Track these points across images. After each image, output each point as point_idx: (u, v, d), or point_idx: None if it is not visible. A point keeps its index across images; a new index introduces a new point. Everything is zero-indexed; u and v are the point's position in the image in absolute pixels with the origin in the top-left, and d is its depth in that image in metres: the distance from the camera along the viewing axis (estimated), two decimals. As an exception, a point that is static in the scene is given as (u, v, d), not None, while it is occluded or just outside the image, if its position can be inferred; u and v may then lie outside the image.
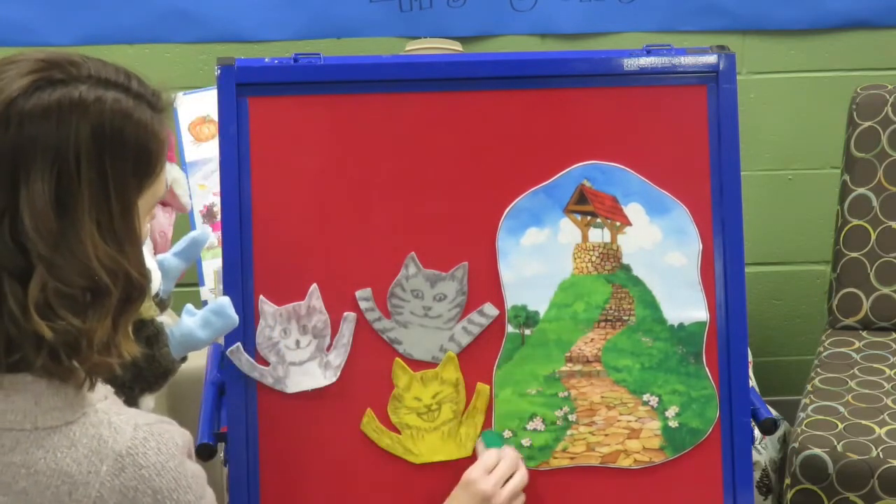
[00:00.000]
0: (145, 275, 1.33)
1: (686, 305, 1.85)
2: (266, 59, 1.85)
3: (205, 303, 2.64)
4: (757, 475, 2.61)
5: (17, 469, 1.25)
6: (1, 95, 1.24)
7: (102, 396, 1.33)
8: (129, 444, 1.27)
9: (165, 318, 1.73)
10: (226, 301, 1.71)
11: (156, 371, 1.66)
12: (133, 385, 1.64)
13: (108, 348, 1.29)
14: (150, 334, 1.65)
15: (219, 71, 1.81)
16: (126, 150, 1.28)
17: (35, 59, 1.28)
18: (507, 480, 1.73)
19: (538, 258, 1.85)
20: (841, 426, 2.25)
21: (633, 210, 1.86)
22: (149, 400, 1.71)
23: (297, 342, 1.81)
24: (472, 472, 1.73)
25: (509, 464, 1.75)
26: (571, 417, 1.85)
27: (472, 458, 1.80)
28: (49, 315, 1.24)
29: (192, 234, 1.74)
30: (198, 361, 1.91)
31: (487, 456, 1.76)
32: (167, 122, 1.36)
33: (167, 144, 1.34)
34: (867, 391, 2.40)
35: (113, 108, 1.28)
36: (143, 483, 1.27)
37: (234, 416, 1.79)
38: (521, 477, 1.75)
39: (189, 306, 1.73)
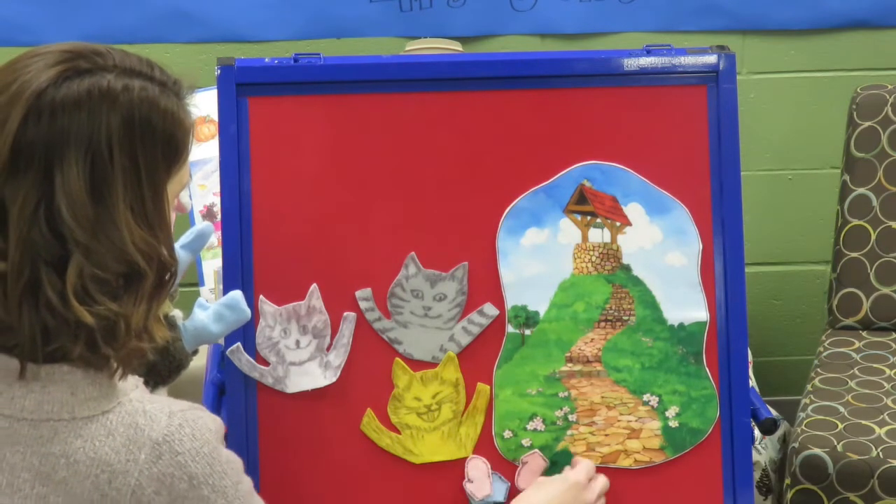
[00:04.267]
0: (175, 257, 1.35)
1: (686, 305, 1.85)
2: (266, 59, 1.85)
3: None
4: (757, 475, 2.61)
5: (56, 459, 1.26)
6: (30, 87, 1.26)
7: (134, 386, 1.34)
8: (165, 431, 1.28)
9: (176, 312, 1.74)
10: (238, 295, 1.73)
11: (170, 365, 1.68)
12: (147, 379, 1.64)
13: (142, 333, 1.31)
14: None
15: (219, 71, 1.81)
16: (155, 137, 1.31)
17: (60, 51, 1.30)
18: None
19: (538, 258, 1.85)
20: (841, 426, 2.25)
21: (633, 210, 1.86)
22: (161, 393, 1.72)
23: (297, 342, 1.81)
24: (579, 476, 1.75)
25: (604, 480, 1.79)
26: (571, 417, 1.85)
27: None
28: (88, 301, 1.26)
29: (198, 227, 1.76)
30: (198, 361, 1.91)
31: (589, 463, 1.78)
32: (190, 108, 1.38)
33: (192, 130, 1.38)
34: (867, 391, 2.40)
35: (140, 97, 1.30)
36: (180, 469, 1.28)
37: (234, 416, 1.79)
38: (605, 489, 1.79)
39: (201, 300, 1.75)
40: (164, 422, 1.29)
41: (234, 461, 1.35)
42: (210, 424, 1.33)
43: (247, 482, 1.36)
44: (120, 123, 1.27)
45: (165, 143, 1.32)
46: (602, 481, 1.77)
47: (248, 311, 1.74)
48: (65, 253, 1.25)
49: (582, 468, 1.77)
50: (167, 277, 1.34)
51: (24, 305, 1.25)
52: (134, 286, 1.29)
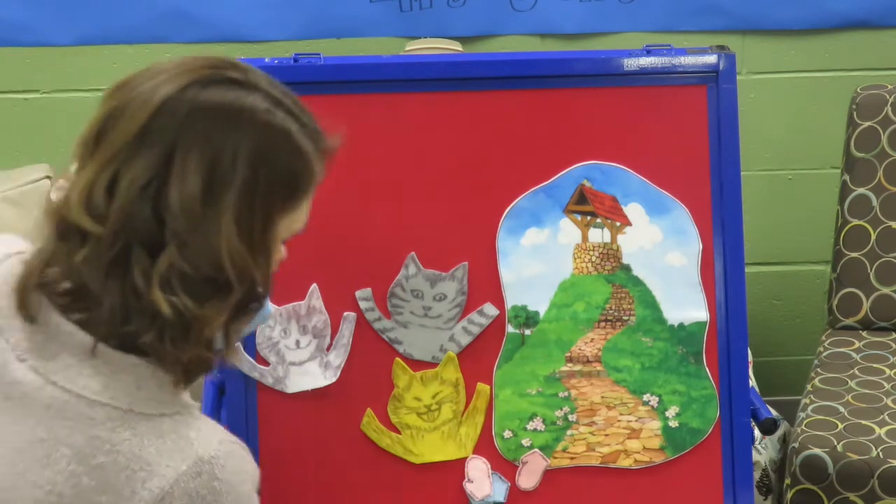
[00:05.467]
0: (269, 289, 1.36)
1: (686, 305, 1.85)
2: (266, 59, 1.85)
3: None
4: (757, 475, 2.61)
5: (100, 443, 1.26)
6: (173, 81, 1.28)
7: (193, 403, 1.35)
8: (213, 452, 1.29)
9: None
10: None
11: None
12: None
13: (212, 343, 1.32)
14: None
15: (219, 71, 1.80)
16: (280, 168, 1.31)
17: (215, 57, 1.32)
18: None
19: (538, 258, 1.85)
20: (841, 426, 2.25)
21: (633, 210, 1.86)
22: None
23: (297, 342, 1.81)
24: None
25: None
26: (571, 417, 1.85)
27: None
28: (169, 292, 1.26)
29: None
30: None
31: None
32: (324, 163, 1.39)
33: (317, 182, 1.38)
34: (867, 391, 2.40)
35: (280, 127, 1.31)
36: (212, 494, 1.28)
37: (234, 416, 1.79)
38: None
39: None
40: (214, 444, 1.30)
41: None
42: (252, 468, 1.34)
43: None
44: (252, 143, 1.28)
45: (288, 178, 1.33)
46: None
47: (272, 307, 1.73)
48: (160, 239, 1.26)
49: None
50: (253, 302, 1.34)
51: (110, 277, 1.26)
52: (218, 295, 1.29)
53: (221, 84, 1.29)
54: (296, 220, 1.37)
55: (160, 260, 1.26)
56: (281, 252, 1.39)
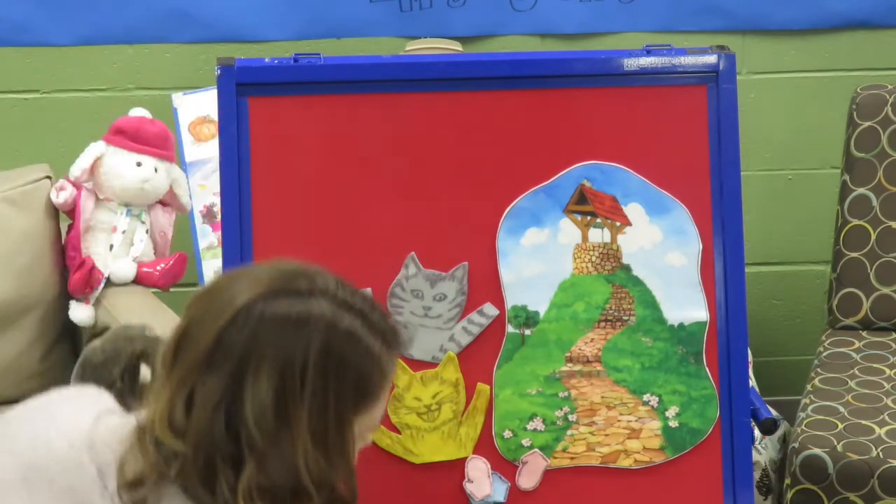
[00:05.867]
0: (353, 491, 1.38)
1: (686, 305, 1.85)
2: (266, 59, 1.85)
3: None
4: (757, 475, 2.61)
5: None
6: (243, 294, 1.31)
7: None
8: None
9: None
10: None
11: None
12: None
13: None
14: None
15: (219, 71, 1.81)
16: (349, 372, 1.33)
17: (280, 269, 1.35)
18: None
19: (538, 258, 1.85)
20: (841, 426, 2.25)
21: (633, 210, 1.86)
22: None
23: (297, 342, 1.81)
24: None
25: None
26: (571, 417, 1.85)
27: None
28: (251, 503, 1.29)
29: None
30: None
31: None
32: (397, 359, 1.40)
33: (391, 378, 1.39)
34: (867, 391, 2.40)
35: (347, 332, 1.33)
36: None
37: (234, 416, 1.79)
38: None
39: None
40: None
41: None
42: None
43: None
44: (319, 351, 1.30)
45: (359, 381, 1.34)
46: None
47: None
48: (239, 453, 1.29)
49: None
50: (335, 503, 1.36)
51: (203, 488, 1.29)
52: (298, 502, 1.32)
53: (287, 297, 1.31)
54: (373, 418, 1.38)
55: (243, 477, 1.28)
56: (366, 439, 1.41)
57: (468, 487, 1.83)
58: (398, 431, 1.83)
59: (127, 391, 1.65)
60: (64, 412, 1.39)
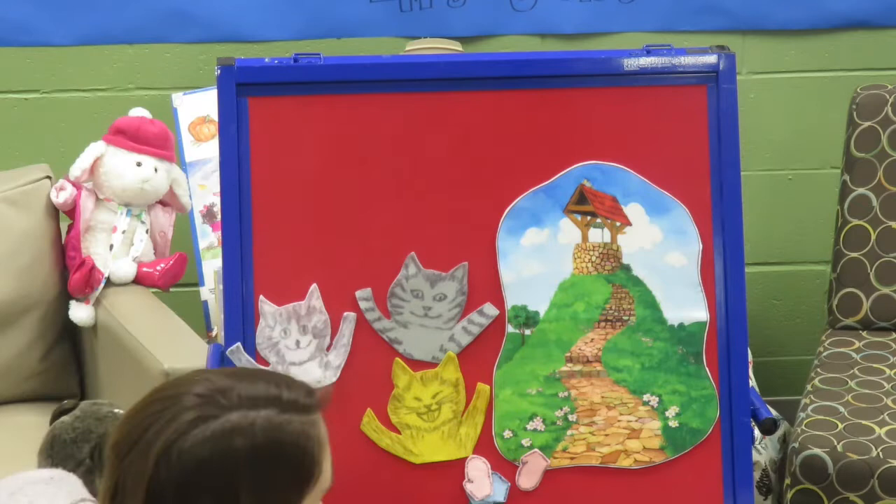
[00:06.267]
0: None
1: (686, 305, 1.85)
2: (266, 59, 1.85)
3: (205, 303, 2.64)
4: (757, 475, 2.61)
5: None
6: (161, 437, 1.28)
7: None
8: None
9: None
10: None
11: None
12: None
13: None
14: None
15: (219, 71, 1.81)
16: (283, 462, 1.31)
17: (194, 395, 1.31)
18: None
19: (538, 258, 1.85)
20: (841, 426, 2.25)
21: (633, 210, 1.86)
22: None
23: (297, 342, 1.81)
24: None
25: None
26: (571, 417, 1.85)
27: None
28: None
29: None
30: (198, 362, 1.91)
31: None
32: (321, 419, 1.38)
33: (324, 442, 1.37)
34: (867, 391, 2.40)
35: (264, 427, 1.30)
36: None
37: (234, 416, 1.79)
38: None
39: None
40: None
41: None
42: None
43: None
44: (246, 459, 1.28)
45: (296, 465, 1.33)
46: None
47: None
48: None
49: None
50: None
51: None
52: None
53: (202, 424, 1.28)
54: (322, 487, 1.37)
55: None
56: (325, 491, 1.39)
57: (468, 487, 1.83)
58: (398, 431, 1.83)
59: (96, 469, 1.66)
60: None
